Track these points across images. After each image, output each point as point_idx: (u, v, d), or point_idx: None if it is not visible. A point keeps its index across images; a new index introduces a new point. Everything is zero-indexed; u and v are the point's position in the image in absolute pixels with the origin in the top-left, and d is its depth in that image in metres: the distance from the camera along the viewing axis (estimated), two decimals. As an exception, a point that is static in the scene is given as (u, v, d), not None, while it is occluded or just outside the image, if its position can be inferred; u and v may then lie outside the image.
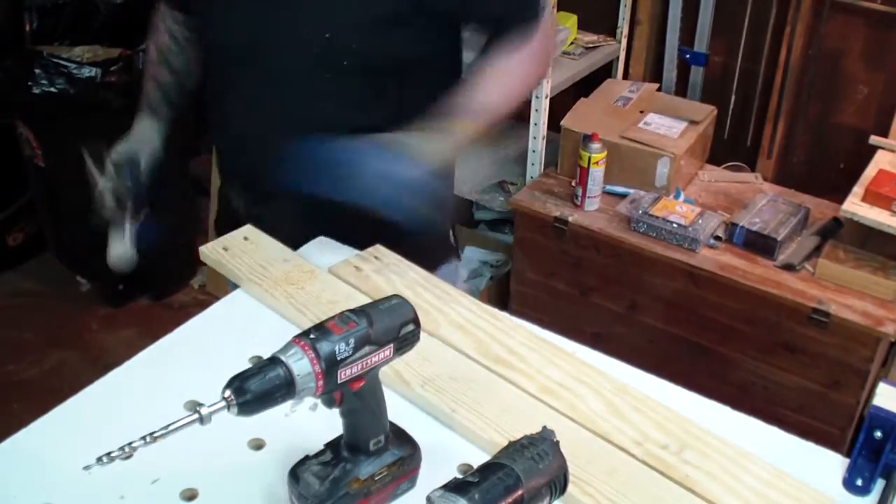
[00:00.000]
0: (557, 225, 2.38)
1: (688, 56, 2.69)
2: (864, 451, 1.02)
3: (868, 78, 2.43)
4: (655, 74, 2.79)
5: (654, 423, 1.04)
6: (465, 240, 2.85)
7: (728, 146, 2.66)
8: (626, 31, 2.72)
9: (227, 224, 1.40)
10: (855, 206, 2.06)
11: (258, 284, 1.24)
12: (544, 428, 0.83)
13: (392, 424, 0.94)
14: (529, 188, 2.51)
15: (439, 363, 1.11)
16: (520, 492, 0.76)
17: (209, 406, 0.79)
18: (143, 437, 0.79)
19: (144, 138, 1.44)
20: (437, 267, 1.43)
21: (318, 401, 0.88)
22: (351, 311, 0.86)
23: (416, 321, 0.90)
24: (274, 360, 0.81)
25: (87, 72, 2.55)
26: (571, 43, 2.65)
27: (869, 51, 2.40)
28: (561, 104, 2.51)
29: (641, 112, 2.50)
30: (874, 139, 2.28)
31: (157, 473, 0.96)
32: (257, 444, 1.01)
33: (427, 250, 1.39)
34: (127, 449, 0.79)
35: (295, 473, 0.90)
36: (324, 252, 1.33)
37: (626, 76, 2.81)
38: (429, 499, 0.74)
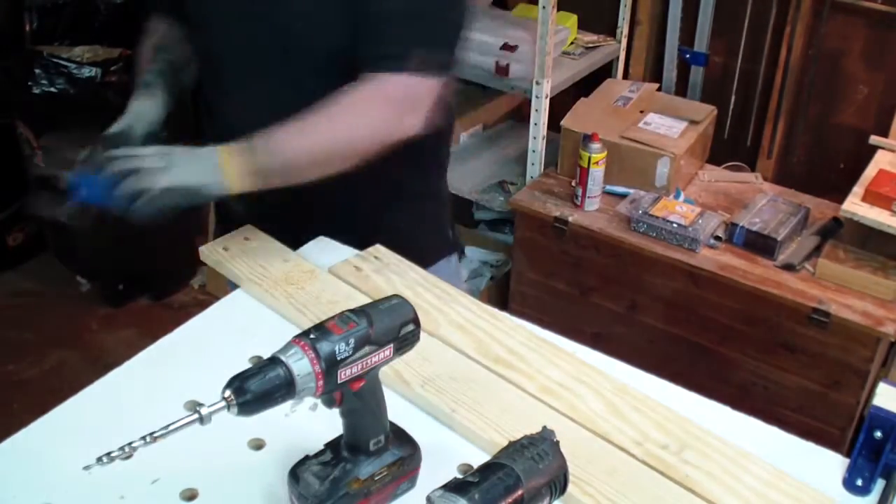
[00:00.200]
0: (557, 225, 2.38)
1: (688, 56, 2.69)
2: (864, 451, 1.02)
3: (868, 78, 2.43)
4: (655, 74, 2.79)
5: (654, 423, 1.04)
6: (465, 240, 2.85)
7: (728, 146, 2.66)
8: (626, 31, 2.72)
9: (227, 226, 1.40)
10: (855, 206, 2.07)
11: (258, 284, 1.24)
12: (544, 428, 0.83)
13: (392, 424, 0.94)
14: (529, 188, 2.51)
15: (439, 363, 1.11)
16: (520, 492, 0.76)
17: (209, 406, 0.79)
18: (143, 437, 0.79)
19: (141, 115, 1.33)
20: (433, 262, 1.43)
21: (318, 401, 0.88)
22: (351, 311, 0.86)
23: (416, 321, 0.90)
24: (274, 360, 0.81)
25: (87, 72, 2.55)
26: (571, 43, 2.65)
27: (869, 51, 2.40)
28: (561, 104, 2.51)
29: (641, 112, 2.50)
30: (874, 139, 2.28)
31: (157, 473, 0.96)
32: (257, 444, 1.01)
33: (420, 244, 1.39)
34: (127, 449, 0.79)
35: (295, 473, 0.90)
36: (324, 252, 1.33)
37: (626, 76, 2.81)
38: (429, 499, 0.74)
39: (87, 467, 0.81)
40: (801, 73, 2.49)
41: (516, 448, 0.80)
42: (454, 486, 0.74)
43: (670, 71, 2.74)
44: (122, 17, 2.74)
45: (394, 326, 0.87)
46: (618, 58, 2.76)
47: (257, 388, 0.80)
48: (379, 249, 1.32)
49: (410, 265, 1.30)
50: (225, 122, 1.38)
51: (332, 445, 0.92)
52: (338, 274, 1.27)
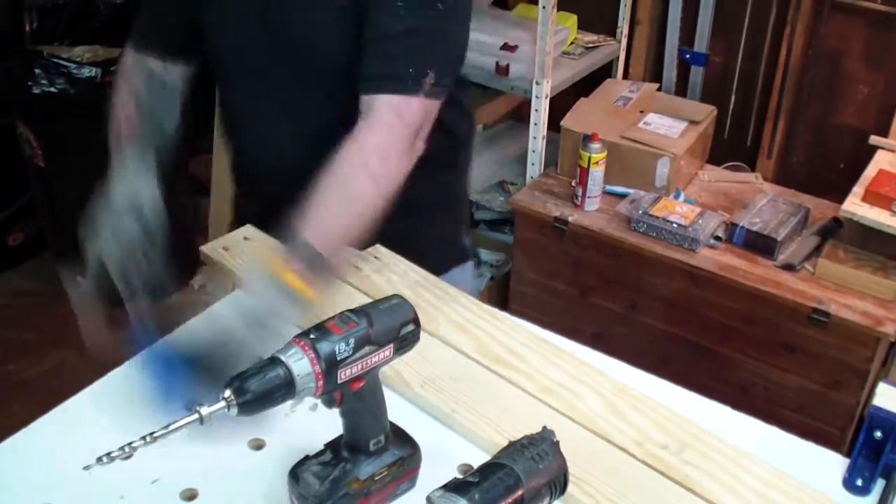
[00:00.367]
0: (557, 225, 2.37)
1: (688, 56, 2.69)
2: (864, 451, 1.02)
3: (868, 78, 2.43)
4: (655, 74, 2.79)
5: (654, 423, 1.04)
6: (465, 240, 2.85)
7: (728, 146, 2.66)
8: (626, 31, 2.72)
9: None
10: (855, 206, 2.06)
11: (258, 284, 1.23)
12: (544, 428, 0.83)
13: (392, 424, 0.94)
14: (529, 188, 2.50)
15: (439, 363, 1.11)
16: (520, 492, 0.76)
17: (209, 406, 0.79)
18: (143, 437, 0.79)
19: (139, 184, 1.22)
20: (447, 269, 1.42)
21: (318, 401, 0.88)
22: (351, 311, 0.86)
23: (416, 321, 0.90)
24: (274, 360, 0.81)
25: (87, 72, 2.55)
26: (571, 43, 2.65)
27: (869, 51, 2.40)
28: (561, 104, 2.51)
29: (641, 112, 2.50)
30: (874, 139, 2.28)
31: (157, 473, 0.96)
32: (257, 444, 1.01)
33: (431, 251, 1.38)
34: (127, 449, 0.79)
35: (295, 473, 0.90)
36: (324, 252, 1.33)
37: (626, 76, 2.81)
38: (429, 499, 0.74)
39: (87, 467, 0.81)
40: (801, 73, 2.49)
41: (516, 448, 0.80)
42: (454, 486, 0.74)
43: (670, 71, 2.74)
44: (122, 17, 2.74)
45: (394, 326, 0.88)
46: (618, 58, 2.76)
47: (257, 388, 0.80)
48: (379, 249, 1.32)
49: (410, 265, 1.30)
50: (237, 115, 1.40)
51: (332, 445, 0.92)
52: (338, 274, 1.27)
